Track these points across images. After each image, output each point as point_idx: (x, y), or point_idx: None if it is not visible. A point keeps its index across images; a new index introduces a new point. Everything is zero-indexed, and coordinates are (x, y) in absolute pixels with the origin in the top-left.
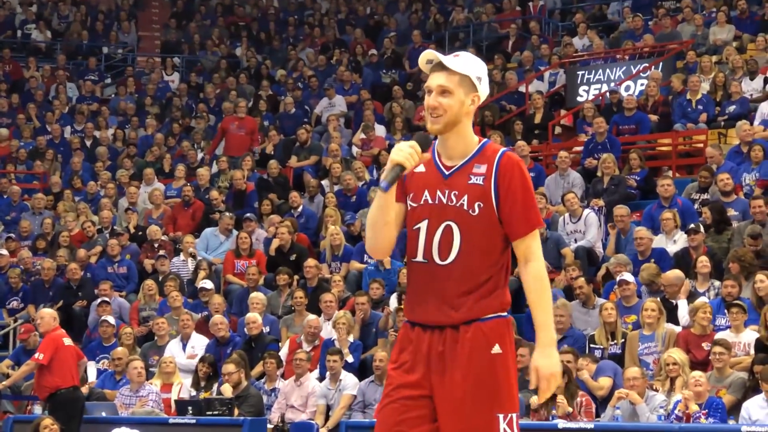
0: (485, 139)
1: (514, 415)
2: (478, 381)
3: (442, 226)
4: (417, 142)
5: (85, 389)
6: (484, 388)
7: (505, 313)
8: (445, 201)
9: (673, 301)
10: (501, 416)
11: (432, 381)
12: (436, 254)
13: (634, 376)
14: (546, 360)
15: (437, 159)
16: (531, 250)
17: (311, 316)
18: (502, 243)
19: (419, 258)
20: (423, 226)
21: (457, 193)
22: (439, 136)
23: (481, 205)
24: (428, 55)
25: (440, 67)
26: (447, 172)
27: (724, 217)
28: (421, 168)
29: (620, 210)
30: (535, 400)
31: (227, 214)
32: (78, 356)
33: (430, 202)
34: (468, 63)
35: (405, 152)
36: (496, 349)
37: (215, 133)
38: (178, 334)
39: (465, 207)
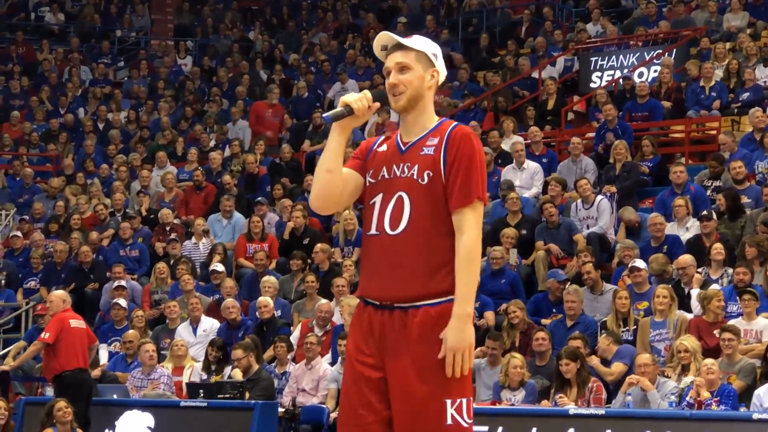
0: (444, 118)
1: (464, 401)
2: (425, 367)
3: (395, 197)
4: (371, 93)
5: (97, 372)
6: (431, 373)
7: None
8: (398, 174)
9: (686, 289)
10: (449, 402)
11: (385, 363)
12: (387, 225)
13: (645, 362)
14: (455, 333)
15: (398, 138)
16: (466, 221)
17: (323, 301)
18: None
19: (372, 230)
20: (378, 199)
21: (409, 164)
22: (402, 115)
23: (431, 174)
24: (382, 38)
25: (396, 47)
26: (404, 148)
27: (738, 204)
28: (384, 147)
29: (628, 212)
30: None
31: (226, 196)
32: (90, 339)
33: (386, 177)
34: (422, 41)
35: (356, 96)
36: (445, 334)
37: (228, 117)
38: (189, 318)
39: (415, 176)
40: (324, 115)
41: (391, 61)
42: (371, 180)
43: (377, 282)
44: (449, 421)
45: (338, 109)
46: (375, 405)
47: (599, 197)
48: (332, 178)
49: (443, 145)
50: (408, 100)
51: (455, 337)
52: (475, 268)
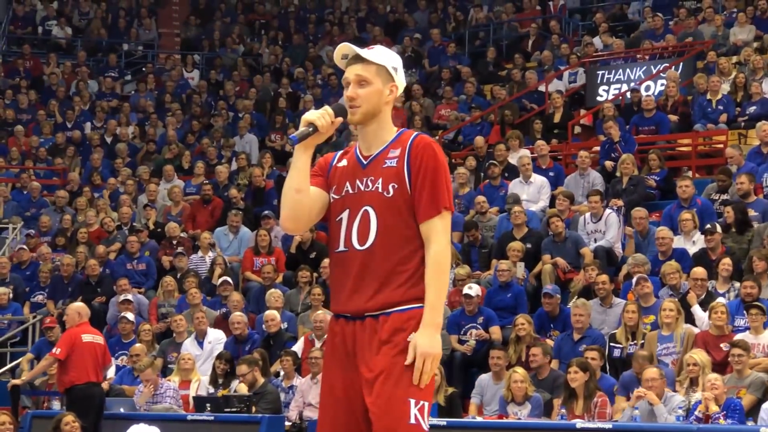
0: (403, 129)
1: (426, 404)
2: (392, 365)
3: (361, 212)
4: (332, 109)
5: (104, 385)
6: (397, 373)
7: (420, 304)
8: (362, 188)
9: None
10: (413, 401)
11: (359, 374)
12: (355, 240)
13: (652, 377)
14: (425, 339)
15: (358, 151)
16: (434, 231)
17: (320, 311)
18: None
19: (341, 247)
20: (344, 215)
21: (373, 178)
22: (359, 128)
23: (396, 186)
24: (343, 48)
25: (356, 59)
26: (365, 162)
27: (746, 217)
28: (344, 162)
29: (639, 212)
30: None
31: (233, 210)
32: (104, 356)
33: (350, 192)
34: (383, 54)
35: (317, 113)
36: (413, 337)
37: (235, 130)
38: (195, 332)
39: (380, 189)
40: (291, 136)
41: (350, 72)
42: (335, 196)
43: (348, 296)
44: (412, 420)
45: (302, 129)
46: (351, 427)
47: (607, 211)
48: (302, 198)
49: (406, 156)
50: (364, 114)
51: (427, 342)
52: (444, 277)
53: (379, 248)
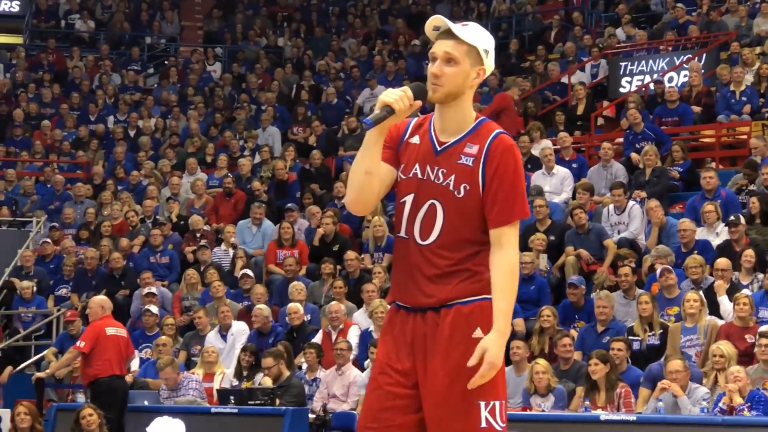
0: (483, 117)
1: (497, 403)
2: (457, 367)
3: (427, 203)
4: (410, 89)
5: (128, 378)
6: (463, 374)
7: (490, 296)
8: (432, 178)
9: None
10: (482, 404)
11: (417, 368)
12: (417, 232)
13: (676, 369)
14: (496, 347)
15: (432, 132)
16: (507, 237)
17: (334, 303)
18: (486, 227)
19: (402, 233)
20: (409, 200)
21: (445, 171)
22: (437, 107)
23: (467, 187)
24: (436, 20)
25: (448, 34)
26: (439, 148)
27: None
28: (416, 139)
29: (651, 203)
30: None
31: (256, 203)
32: (127, 348)
33: (419, 176)
34: (477, 34)
35: (395, 94)
36: (478, 333)
37: (257, 123)
38: (219, 324)
39: (451, 187)
40: (365, 119)
41: (439, 48)
42: (402, 175)
43: (408, 288)
44: (483, 424)
45: (378, 111)
46: (401, 410)
47: (631, 203)
48: (371, 180)
49: (482, 158)
50: (446, 95)
51: (496, 352)
52: (515, 285)
53: (442, 246)
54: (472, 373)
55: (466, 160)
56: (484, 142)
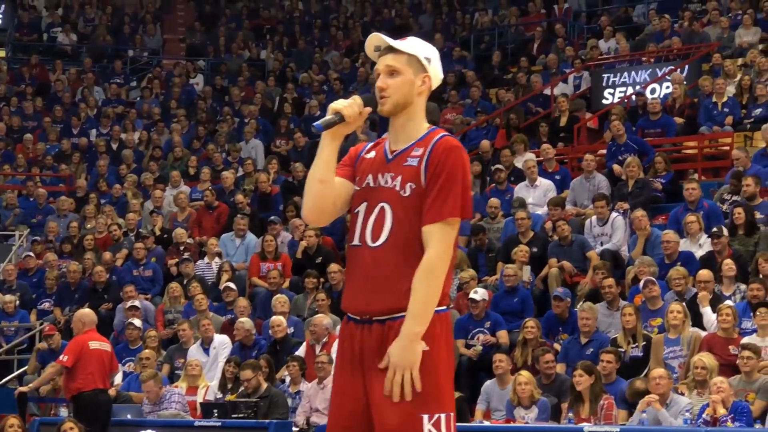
0: (433, 126)
1: (443, 416)
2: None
3: (377, 207)
4: (361, 98)
5: (112, 392)
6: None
7: (440, 308)
8: (382, 183)
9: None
10: (426, 417)
11: (365, 382)
12: (368, 236)
13: (660, 375)
14: (398, 350)
15: (387, 145)
16: (434, 237)
17: (318, 315)
18: None
19: (355, 241)
20: (361, 209)
21: (393, 174)
22: (390, 119)
23: (413, 186)
24: (374, 39)
25: (388, 50)
26: (390, 156)
27: (753, 219)
28: (372, 154)
29: (637, 212)
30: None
31: (238, 216)
32: (111, 362)
33: (371, 185)
34: (415, 44)
35: (345, 102)
36: (422, 346)
37: (240, 136)
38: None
39: (398, 188)
40: (315, 123)
41: (381, 63)
42: (356, 187)
43: (357, 296)
44: None
45: (329, 116)
46: (360, 428)
47: (614, 214)
48: (325, 189)
49: (426, 156)
50: (394, 105)
51: (400, 353)
52: (433, 285)
53: (391, 248)
54: (405, 386)
55: (412, 161)
56: (429, 143)
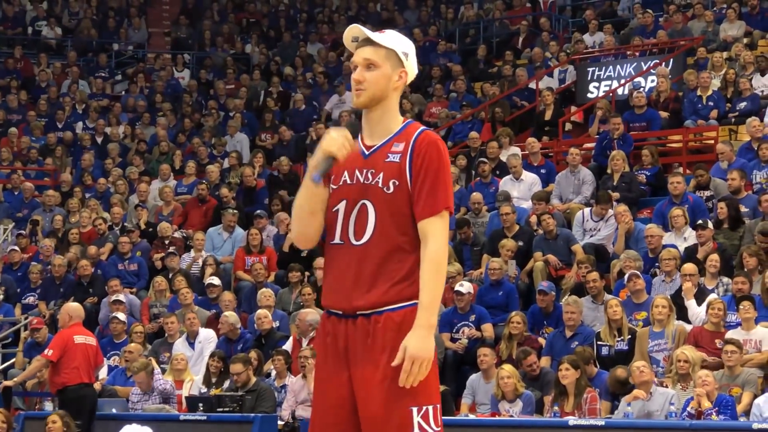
0: (410, 120)
1: (431, 408)
2: (388, 374)
3: (358, 205)
4: (348, 129)
5: (96, 386)
6: (394, 379)
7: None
8: (362, 180)
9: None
10: (414, 409)
11: (351, 376)
12: (351, 234)
13: (642, 363)
14: (416, 341)
15: (360, 140)
16: (433, 231)
17: (304, 310)
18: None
19: (336, 240)
20: (341, 207)
21: (374, 171)
22: (364, 112)
23: (396, 182)
24: (353, 30)
25: (366, 42)
26: (367, 152)
27: (738, 213)
28: None
29: (620, 207)
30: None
31: (230, 210)
32: (96, 357)
33: (348, 182)
34: (394, 38)
35: (338, 142)
36: (406, 341)
37: (226, 130)
38: (186, 332)
39: (380, 185)
40: (314, 176)
41: (358, 55)
42: (333, 186)
43: (340, 292)
44: (416, 430)
45: (324, 163)
46: (342, 426)
47: (610, 212)
48: (318, 218)
49: (409, 153)
50: (369, 98)
51: (418, 344)
52: (440, 278)
53: (376, 245)
54: (418, 377)
55: (393, 157)
56: (410, 138)
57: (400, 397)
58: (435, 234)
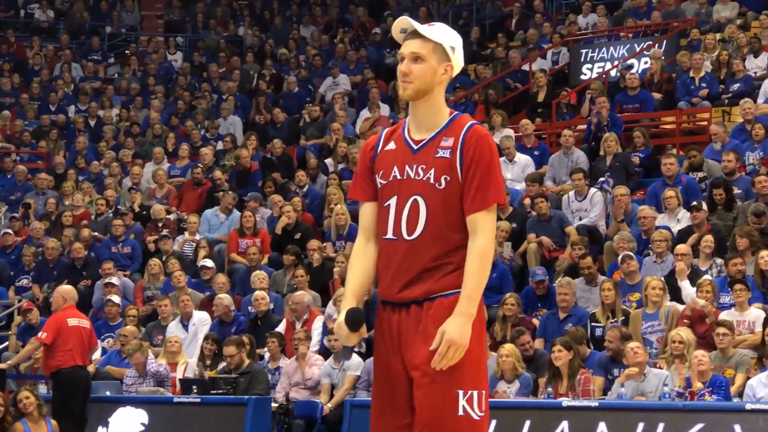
0: (456, 112)
1: (476, 393)
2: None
3: (410, 200)
4: (349, 322)
5: (90, 368)
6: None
7: None
8: (412, 176)
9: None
10: (461, 393)
11: (404, 361)
12: (404, 229)
13: (636, 344)
14: (455, 327)
15: (406, 133)
16: (481, 224)
17: (298, 293)
18: None
19: (389, 235)
20: (392, 202)
21: (424, 167)
22: (410, 105)
23: (448, 178)
24: (402, 23)
25: (414, 35)
26: (416, 147)
27: (731, 195)
28: (391, 145)
29: (620, 189)
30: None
31: (230, 193)
32: (90, 339)
33: (399, 177)
34: (442, 32)
35: (342, 338)
36: (445, 326)
37: (218, 112)
38: (180, 314)
39: (432, 180)
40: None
41: (406, 48)
42: (382, 181)
43: (396, 285)
44: (460, 412)
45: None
46: (400, 410)
47: (592, 190)
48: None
49: (459, 148)
50: (415, 91)
51: (456, 330)
52: (486, 271)
53: (428, 239)
54: (450, 361)
55: (444, 152)
56: (459, 133)
57: (448, 380)
58: (484, 227)
